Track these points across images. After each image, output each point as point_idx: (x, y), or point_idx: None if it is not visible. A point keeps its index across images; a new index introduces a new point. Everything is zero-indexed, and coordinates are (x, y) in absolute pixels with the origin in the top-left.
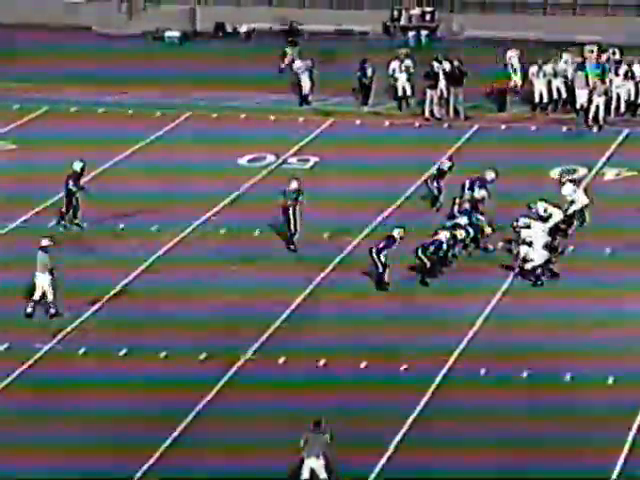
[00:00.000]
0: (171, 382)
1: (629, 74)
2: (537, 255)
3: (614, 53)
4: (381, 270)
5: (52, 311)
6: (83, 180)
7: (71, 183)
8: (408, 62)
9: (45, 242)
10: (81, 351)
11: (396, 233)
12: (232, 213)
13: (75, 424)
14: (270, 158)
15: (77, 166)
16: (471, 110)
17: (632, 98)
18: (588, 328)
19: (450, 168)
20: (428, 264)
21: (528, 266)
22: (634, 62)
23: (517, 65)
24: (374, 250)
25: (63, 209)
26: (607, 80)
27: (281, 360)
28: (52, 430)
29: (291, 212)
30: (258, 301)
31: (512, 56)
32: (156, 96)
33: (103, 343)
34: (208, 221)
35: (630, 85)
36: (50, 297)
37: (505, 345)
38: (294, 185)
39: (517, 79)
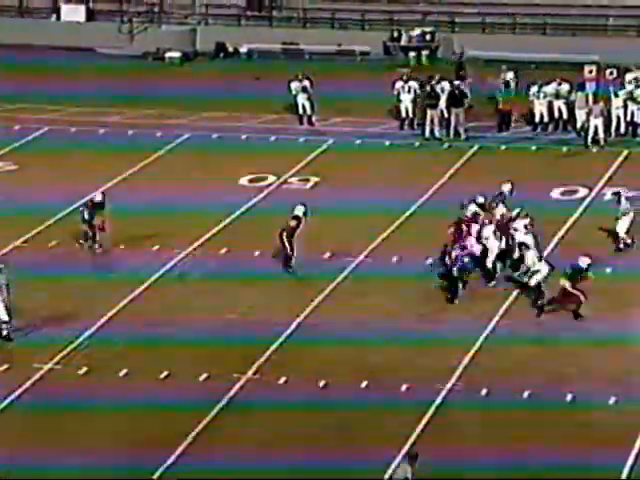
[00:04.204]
0: (171, 403)
1: (632, 95)
2: (542, 266)
3: (611, 73)
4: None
5: (4, 333)
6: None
7: (86, 212)
8: (413, 83)
9: None
10: (81, 371)
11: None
12: (233, 233)
13: (74, 446)
14: (271, 178)
15: (98, 197)
16: (472, 130)
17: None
18: (589, 347)
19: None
20: (460, 284)
21: (532, 282)
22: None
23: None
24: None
25: (88, 231)
26: (601, 100)
27: (281, 380)
28: (51, 453)
29: (285, 236)
30: (258, 321)
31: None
32: (157, 116)
33: (103, 363)
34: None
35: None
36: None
37: (506, 365)
38: (296, 212)
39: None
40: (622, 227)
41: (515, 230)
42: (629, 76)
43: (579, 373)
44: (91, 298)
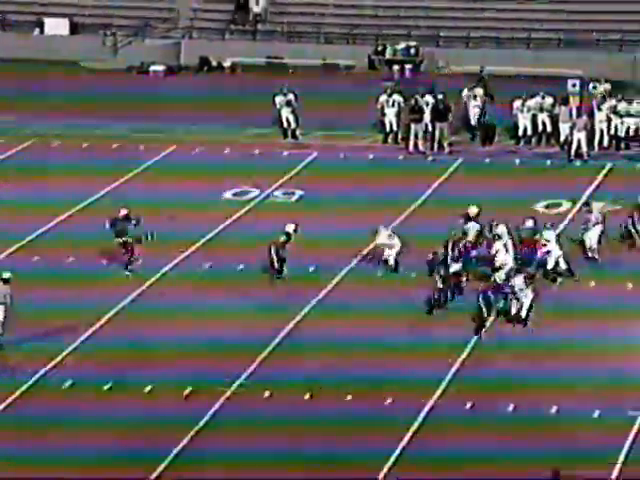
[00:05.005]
0: (155, 417)
1: (614, 109)
2: (527, 294)
3: (595, 87)
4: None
5: None
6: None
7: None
8: (397, 97)
9: (7, 275)
10: (66, 385)
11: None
12: (217, 247)
13: (58, 459)
14: (255, 192)
15: (122, 212)
16: (455, 144)
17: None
18: (573, 361)
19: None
20: (485, 314)
21: (523, 313)
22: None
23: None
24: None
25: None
26: (584, 114)
27: (266, 394)
28: (35, 466)
29: (273, 251)
30: (243, 334)
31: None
32: (140, 130)
33: (88, 376)
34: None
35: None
36: None
37: (490, 378)
38: (287, 228)
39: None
40: (593, 237)
41: (547, 241)
42: (600, 88)
43: (563, 386)
44: (75, 312)
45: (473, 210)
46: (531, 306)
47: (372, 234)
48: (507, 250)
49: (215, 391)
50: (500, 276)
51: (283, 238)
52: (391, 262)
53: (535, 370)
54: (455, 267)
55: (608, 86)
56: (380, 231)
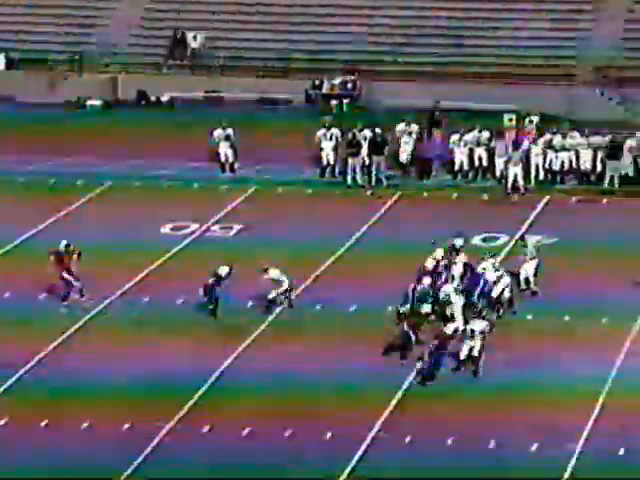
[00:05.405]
0: (93, 453)
1: (550, 143)
2: (477, 323)
3: (531, 122)
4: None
5: None
6: None
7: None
8: (335, 131)
9: None
10: (1, 422)
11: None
12: (155, 281)
13: None
14: (193, 226)
15: (62, 245)
16: (393, 178)
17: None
18: (511, 395)
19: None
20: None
21: (476, 351)
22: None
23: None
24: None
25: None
26: (520, 148)
27: (205, 429)
28: None
29: (202, 292)
30: (181, 369)
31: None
32: (78, 165)
33: (24, 414)
34: None
35: (565, 155)
36: None
37: (430, 412)
38: (220, 271)
39: None
40: (529, 270)
41: (484, 270)
42: (534, 121)
43: (502, 421)
44: (11, 347)
45: (458, 242)
46: (481, 351)
47: (261, 272)
48: (457, 292)
49: (154, 426)
50: (450, 328)
51: (212, 279)
52: (271, 295)
53: (474, 403)
54: (426, 308)
55: (537, 118)
56: (270, 269)
